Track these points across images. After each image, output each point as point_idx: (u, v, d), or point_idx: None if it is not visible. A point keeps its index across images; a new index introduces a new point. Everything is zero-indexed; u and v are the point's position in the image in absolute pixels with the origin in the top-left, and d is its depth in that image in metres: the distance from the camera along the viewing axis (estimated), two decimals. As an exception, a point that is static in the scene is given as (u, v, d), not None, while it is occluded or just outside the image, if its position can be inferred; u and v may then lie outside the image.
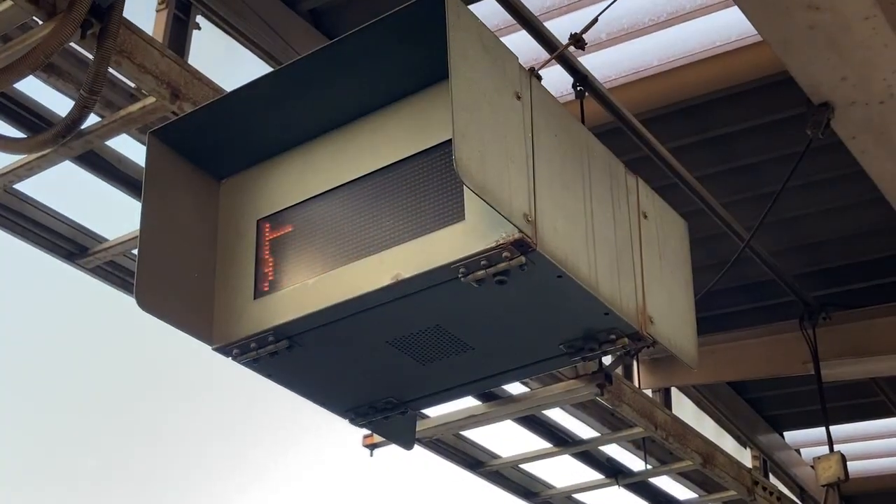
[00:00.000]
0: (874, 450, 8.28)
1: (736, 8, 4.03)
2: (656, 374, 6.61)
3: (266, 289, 3.04)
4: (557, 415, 5.96)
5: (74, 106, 3.15)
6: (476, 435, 5.78)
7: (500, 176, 2.63)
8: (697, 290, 3.53)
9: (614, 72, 4.99)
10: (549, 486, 6.31)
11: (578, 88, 4.15)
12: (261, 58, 4.43)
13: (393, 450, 3.83)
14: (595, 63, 4.71)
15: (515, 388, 5.09)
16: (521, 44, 3.83)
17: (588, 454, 6.25)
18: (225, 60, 4.38)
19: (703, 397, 7.11)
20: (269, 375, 3.16)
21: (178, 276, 3.07)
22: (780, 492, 6.56)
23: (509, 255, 2.65)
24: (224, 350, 3.07)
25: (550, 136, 2.89)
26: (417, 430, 3.84)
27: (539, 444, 6.01)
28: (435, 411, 4.76)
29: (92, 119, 3.44)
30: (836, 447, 5.80)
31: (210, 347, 3.09)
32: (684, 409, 6.91)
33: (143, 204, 3.02)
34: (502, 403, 4.77)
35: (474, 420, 4.73)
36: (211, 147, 3.15)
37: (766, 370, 6.61)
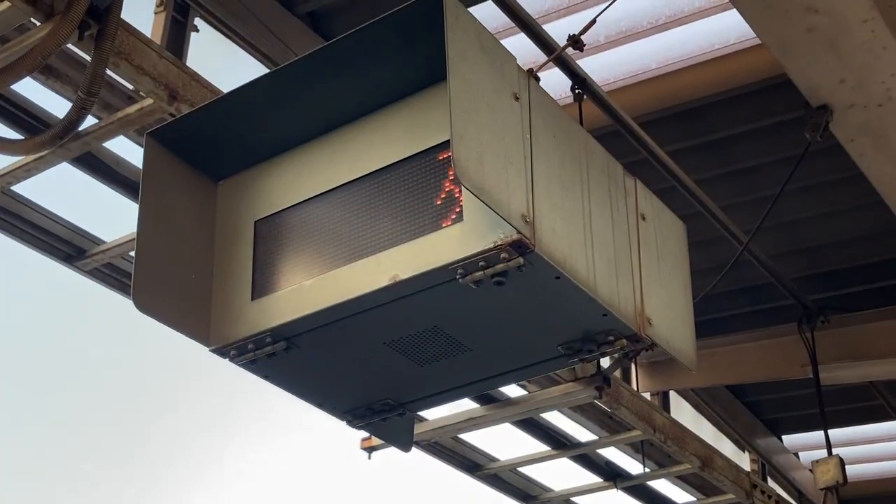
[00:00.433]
0: (873, 453, 8.28)
1: (734, 11, 4.03)
2: (655, 377, 6.60)
3: (264, 290, 3.03)
4: (555, 418, 5.96)
5: (72, 107, 3.14)
6: (474, 438, 5.78)
7: (498, 177, 2.62)
8: (695, 294, 3.53)
9: (612, 75, 4.99)
10: (547, 490, 6.31)
11: (577, 91, 4.14)
12: (259, 60, 4.42)
13: (390, 452, 3.83)
14: (593, 66, 4.71)
15: (513, 390, 5.09)
16: (519, 47, 3.83)
17: (586, 457, 6.24)
18: (223, 63, 4.38)
19: (702, 401, 7.10)
20: (266, 377, 3.15)
21: (175, 278, 3.06)
22: (779, 495, 6.57)
23: (507, 257, 2.65)
24: (221, 351, 3.07)
25: (549, 138, 2.89)
26: (415, 432, 3.84)
27: (537, 447, 6.01)
28: (433, 414, 4.76)
29: (89, 121, 3.44)
30: (835, 451, 5.79)
31: (207, 349, 3.08)
32: (683, 412, 6.90)
33: (140, 205, 3.02)
34: (500, 406, 4.76)
35: (472, 423, 4.72)
36: (208, 148, 3.15)
37: (765, 373, 6.60)
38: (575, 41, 3.71)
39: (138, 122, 3.56)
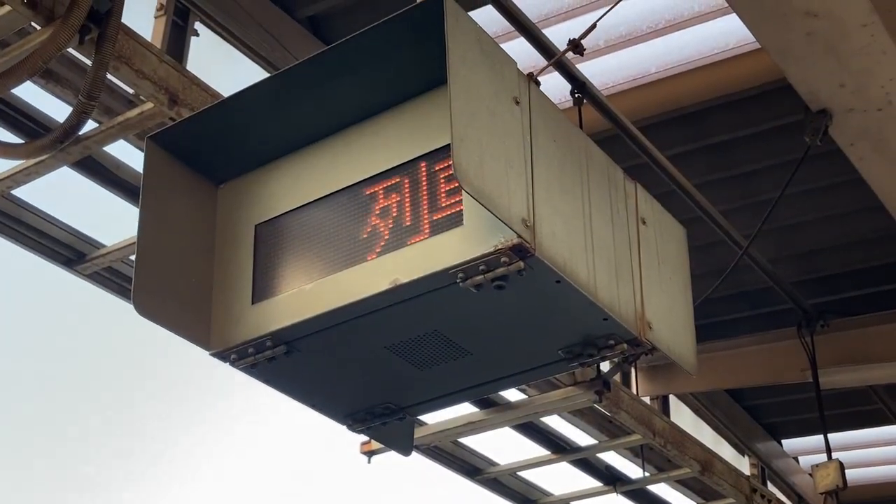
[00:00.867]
0: (872, 457, 8.27)
1: (734, 15, 4.03)
2: (654, 381, 6.60)
3: (264, 294, 3.03)
4: (555, 422, 5.96)
5: (72, 111, 3.14)
6: (474, 442, 5.78)
7: (498, 181, 2.62)
8: (695, 298, 3.53)
9: (612, 79, 4.99)
10: (546, 494, 6.30)
11: (577, 95, 4.15)
12: (259, 64, 4.43)
13: (390, 456, 3.83)
14: (593, 70, 4.72)
15: (513, 394, 5.09)
16: (519, 51, 3.82)
17: (586, 461, 6.24)
18: (223, 67, 4.39)
19: (702, 405, 7.10)
20: (266, 381, 3.15)
21: (175, 282, 3.06)
22: (779, 499, 6.57)
23: (508, 261, 2.65)
24: (222, 355, 3.06)
25: (549, 141, 2.89)
26: (415, 437, 3.83)
27: (537, 451, 6.01)
28: (433, 418, 4.75)
29: (90, 125, 3.44)
30: (835, 455, 5.79)
31: (208, 353, 3.08)
32: (682, 416, 6.90)
33: (140, 209, 3.02)
34: (500, 410, 4.76)
35: (472, 427, 4.71)
36: (209, 152, 3.14)
37: (765, 378, 6.61)
38: (575, 45, 3.71)
39: (139, 126, 3.56)
